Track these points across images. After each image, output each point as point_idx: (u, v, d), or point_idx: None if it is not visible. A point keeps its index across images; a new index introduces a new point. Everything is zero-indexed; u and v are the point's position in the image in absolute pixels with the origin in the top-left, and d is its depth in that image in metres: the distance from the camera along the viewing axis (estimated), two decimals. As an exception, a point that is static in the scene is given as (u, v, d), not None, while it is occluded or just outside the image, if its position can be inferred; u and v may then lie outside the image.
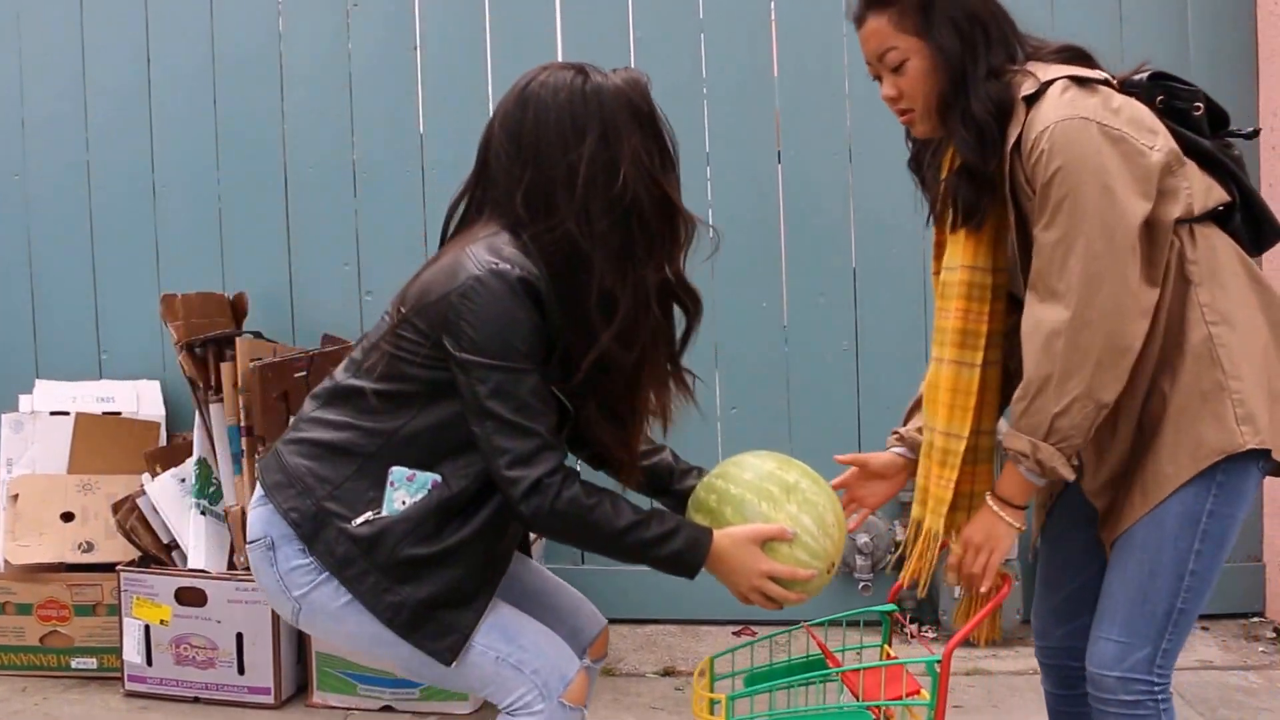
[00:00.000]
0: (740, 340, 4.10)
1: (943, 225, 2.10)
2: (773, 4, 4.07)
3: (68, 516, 3.70)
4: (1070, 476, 1.93)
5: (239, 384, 3.41)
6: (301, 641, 3.49)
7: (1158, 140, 1.88)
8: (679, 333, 2.11)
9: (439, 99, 4.16)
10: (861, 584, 3.98)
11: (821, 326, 4.07)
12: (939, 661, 1.97)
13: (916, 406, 2.29)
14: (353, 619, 1.96)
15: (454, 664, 1.96)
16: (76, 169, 4.28)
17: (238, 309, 3.95)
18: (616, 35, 4.09)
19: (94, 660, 3.66)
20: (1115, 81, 1.97)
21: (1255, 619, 4.03)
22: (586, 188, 1.93)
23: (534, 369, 1.91)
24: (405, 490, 1.95)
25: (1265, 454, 1.90)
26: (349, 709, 3.44)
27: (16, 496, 3.68)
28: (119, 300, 4.26)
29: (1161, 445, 1.92)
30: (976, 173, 1.96)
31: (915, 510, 2.16)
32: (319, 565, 1.94)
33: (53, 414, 3.89)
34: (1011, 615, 3.84)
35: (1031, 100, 1.91)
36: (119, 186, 4.27)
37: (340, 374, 2.06)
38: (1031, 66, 1.96)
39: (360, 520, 1.93)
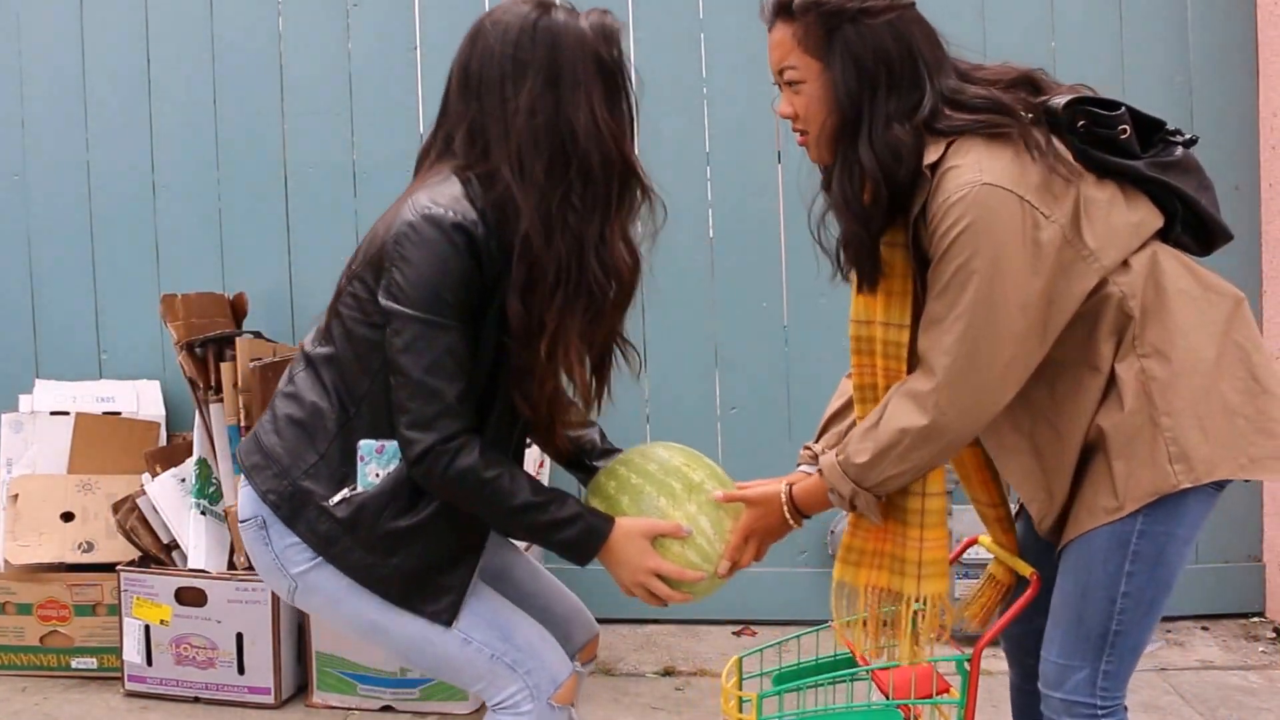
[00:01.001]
0: (740, 340, 4.10)
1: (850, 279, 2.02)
2: (773, 4, 4.06)
3: (68, 516, 3.70)
4: (879, 521, 1.92)
5: (239, 384, 3.41)
6: (302, 641, 3.49)
7: (1056, 209, 1.78)
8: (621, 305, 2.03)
9: (438, 99, 4.14)
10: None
11: (821, 326, 4.07)
12: (969, 660, 1.97)
13: (831, 420, 2.23)
14: (350, 599, 1.95)
15: (455, 626, 1.95)
16: (77, 169, 4.28)
17: (238, 309, 3.94)
18: (616, 35, 4.08)
19: (94, 660, 3.66)
20: (1037, 100, 1.87)
21: (1255, 619, 4.03)
22: (523, 132, 1.85)
23: (457, 325, 1.84)
24: (376, 463, 1.92)
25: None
26: (349, 709, 3.44)
27: (16, 496, 3.68)
28: (119, 300, 4.26)
29: (1100, 480, 1.87)
30: (860, 239, 1.90)
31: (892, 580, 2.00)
32: (305, 544, 1.94)
33: (53, 414, 3.89)
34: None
35: (935, 167, 1.81)
36: (119, 186, 4.27)
37: (308, 343, 2.03)
38: (947, 113, 1.83)
39: (337, 499, 1.92)
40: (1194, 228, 1.95)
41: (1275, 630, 3.92)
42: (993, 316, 1.76)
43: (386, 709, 3.42)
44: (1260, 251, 3.98)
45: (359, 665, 3.41)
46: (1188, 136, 1.94)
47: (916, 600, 1.94)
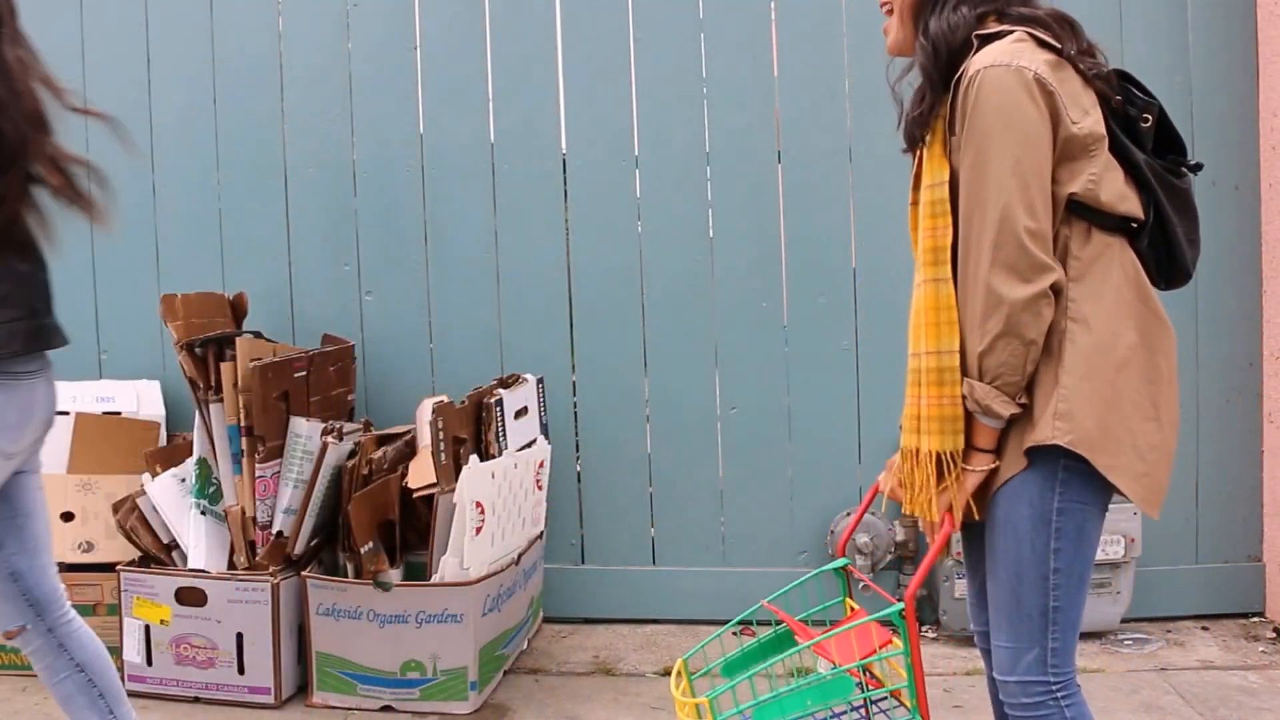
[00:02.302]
0: (740, 340, 4.10)
1: (912, 148, 2.13)
2: (773, 4, 4.07)
3: (68, 516, 3.70)
4: (1004, 414, 1.93)
5: (239, 384, 3.41)
6: (302, 641, 3.49)
7: (1086, 119, 1.92)
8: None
9: (438, 99, 4.16)
10: (861, 584, 3.97)
11: (821, 326, 4.07)
12: (903, 610, 2.02)
13: None
14: None
15: None
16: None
17: (237, 309, 3.94)
18: (616, 35, 4.09)
19: (94, 660, 3.66)
20: (1090, 55, 2.00)
21: (1255, 619, 4.03)
22: None
23: None
24: None
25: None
26: (349, 709, 3.44)
27: (16, 496, 3.68)
28: (119, 300, 4.26)
29: (1010, 435, 1.97)
30: (929, 86, 2.03)
31: (909, 439, 2.06)
32: None
33: (53, 414, 3.89)
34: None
35: (986, 40, 1.96)
36: (119, 186, 4.25)
37: None
38: (1013, 11, 2.01)
39: None
40: (1160, 251, 2.03)
41: (1275, 630, 3.92)
42: (1020, 176, 1.88)
43: (386, 709, 3.42)
44: (1260, 251, 3.98)
45: (359, 665, 3.41)
46: (1195, 162, 2.05)
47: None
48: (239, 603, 3.43)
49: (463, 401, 3.58)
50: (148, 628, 3.50)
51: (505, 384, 3.86)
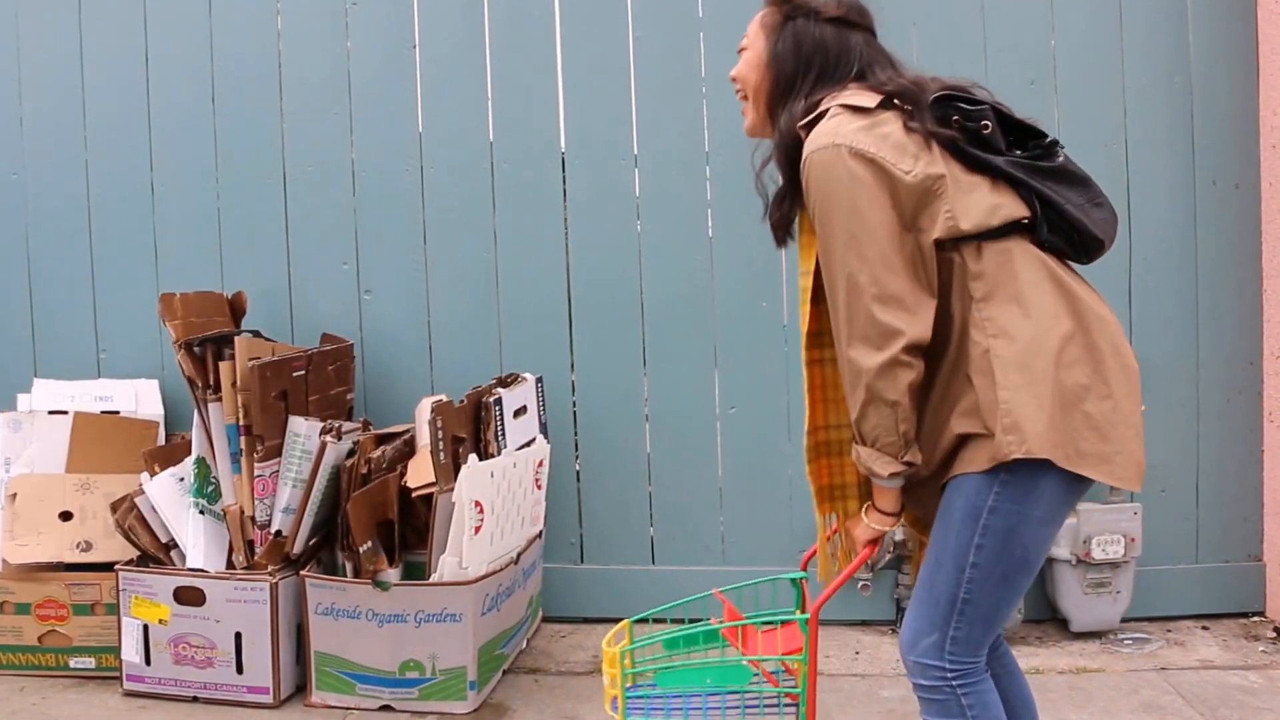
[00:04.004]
0: (740, 340, 4.10)
1: (781, 243, 2.25)
2: (772, 3, 4.06)
3: (66, 516, 3.70)
4: (884, 473, 2.00)
5: (237, 383, 3.41)
6: (300, 641, 3.49)
7: (917, 165, 1.96)
8: None
9: (437, 98, 4.16)
10: (861, 583, 3.98)
11: (821, 326, 4.07)
12: (808, 619, 2.17)
13: None
14: None
15: None
16: (75, 168, 4.28)
17: (236, 308, 3.94)
18: (616, 34, 4.09)
19: (92, 660, 3.66)
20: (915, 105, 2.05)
21: (1255, 618, 4.03)
22: None
23: None
24: None
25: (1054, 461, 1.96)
26: (348, 709, 3.43)
27: (15, 496, 3.68)
28: (117, 299, 4.26)
29: (957, 457, 2.02)
30: (789, 186, 2.11)
31: (823, 507, 2.28)
32: None
33: (51, 413, 3.89)
34: (1012, 614, 3.83)
35: (808, 128, 2.03)
36: (118, 185, 4.27)
37: None
38: (840, 93, 2.07)
39: None
40: (1065, 233, 2.07)
41: (1275, 630, 3.91)
42: (860, 254, 1.95)
43: (385, 708, 3.42)
44: (1260, 249, 3.98)
45: (358, 665, 3.40)
46: (1050, 139, 2.09)
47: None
48: (237, 602, 3.43)
49: (462, 400, 3.58)
50: (146, 627, 3.49)
51: (504, 383, 3.85)
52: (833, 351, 2.13)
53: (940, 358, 2.02)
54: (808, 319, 2.14)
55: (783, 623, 2.36)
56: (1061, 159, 2.07)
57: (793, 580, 2.47)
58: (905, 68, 2.15)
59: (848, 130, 1.96)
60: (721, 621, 2.38)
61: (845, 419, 2.13)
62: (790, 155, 2.06)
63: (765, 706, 2.34)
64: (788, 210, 2.13)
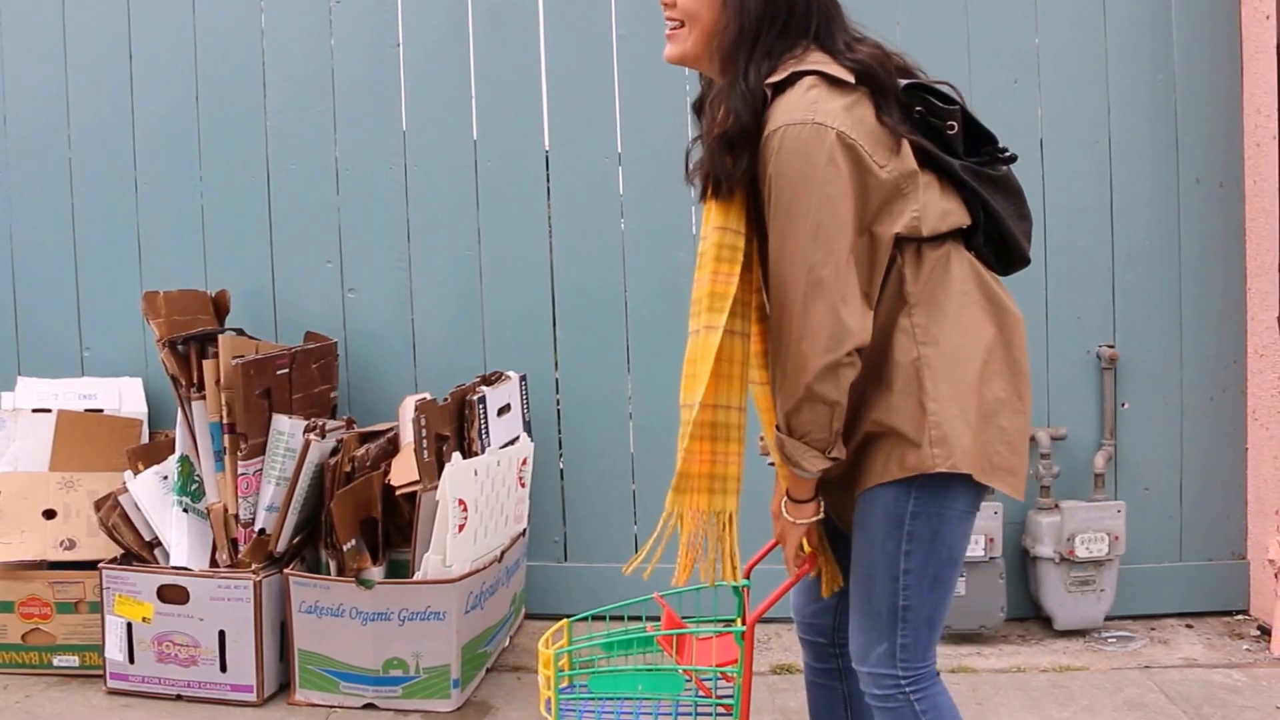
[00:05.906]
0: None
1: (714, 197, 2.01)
2: None
3: (49, 514, 3.69)
4: (813, 469, 1.95)
5: (221, 381, 3.40)
6: (284, 639, 3.48)
7: (893, 160, 1.89)
8: None
9: (421, 96, 4.15)
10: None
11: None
12: (744, 632, 2.17)
13: None
14: None
15: None
16: (58, 166, 4.27)
17: (220, 306, 3.93)
18: (599, 32, 4.08)
19: (76, 658, 3.65)
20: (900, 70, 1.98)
21: (1239, 616, 4.04)
22: None
23: None
24: None
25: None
26: (331, 707, 3.43)
27: (-2, 494, 3.67)
28: (101, 297, 4.25)
29: (873, 459, 1.98)
30: (737, 140, 1.91)
31: (673, 498, 2.09)
32: None
33: (34, 411, 3.88)
34: (995, 613, 3.84)
35: (779, 89, 1.89)
36: (101, 183, 4.26)
37: None
38: (808, 55, 1.92)
39: None
40: (996, 243, 2.05)
41: (1259, 628, 3.92)
42: (826, 245, 1.84)
43: (369, 706, 3.42)
44: (1244, 248, 3.99)
45: (342, 663, 3.40)
46: (1009, 153, 2.05)
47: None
48: (221, 600, 3.42)
49: (445, 399, 3.58)
50: (130, 625, 3.49)
51: (488, 381, 3.85)
52: (746, 324, 1.99)
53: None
54: (710, 282, 1.94)
55: (719, 633, 2.35)
56: (1004, 171, 2.04)
57: (735, 589, 2.38)
58: (859, 29, 2.02)
59: (830, 109, 1.84)
60: (658, 629, 2.35)
61: (737, 400, 1.99)
62: (756, 111, 1.89)
63: (699, 715, 2.34)
64: (747, 165, 1.91)
